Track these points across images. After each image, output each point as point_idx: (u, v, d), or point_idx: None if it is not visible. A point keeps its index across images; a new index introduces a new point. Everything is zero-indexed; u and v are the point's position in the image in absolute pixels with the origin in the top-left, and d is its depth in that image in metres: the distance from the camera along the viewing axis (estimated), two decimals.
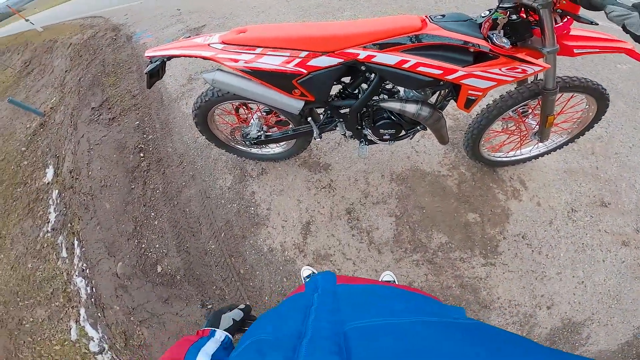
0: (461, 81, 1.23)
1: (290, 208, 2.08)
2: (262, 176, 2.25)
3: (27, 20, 7.91)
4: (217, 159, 2.42)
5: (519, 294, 1.65)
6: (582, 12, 1.09)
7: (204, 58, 1.38)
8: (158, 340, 1.95)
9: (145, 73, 1.46)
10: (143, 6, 6.68)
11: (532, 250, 1.72)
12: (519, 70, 1.18)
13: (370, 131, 1.64)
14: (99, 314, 2.23)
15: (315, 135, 1.69)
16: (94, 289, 2.34)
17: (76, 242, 2.62)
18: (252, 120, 1.83)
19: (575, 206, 1.82)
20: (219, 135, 2.02)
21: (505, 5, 1.12)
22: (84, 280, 2.43)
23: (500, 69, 1.18)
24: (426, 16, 1.26)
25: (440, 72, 1.21)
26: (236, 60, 1.34)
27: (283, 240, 1.99)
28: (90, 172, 2.78)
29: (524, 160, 1.91)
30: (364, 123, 1.63)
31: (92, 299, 2.31)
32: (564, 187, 1.88)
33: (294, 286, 1.86)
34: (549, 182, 1.90)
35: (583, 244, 1.72)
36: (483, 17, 1.18)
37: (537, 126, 1.57)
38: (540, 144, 1.78)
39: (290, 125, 1.80)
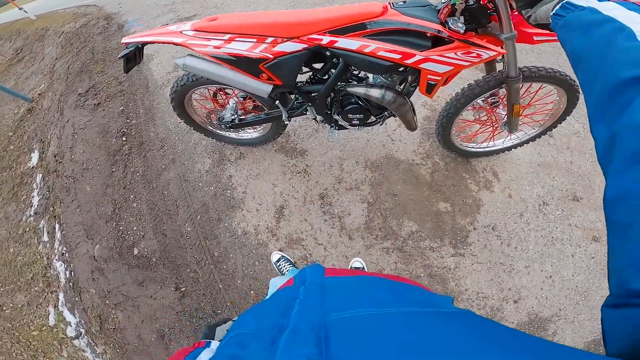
0: (420, 65, 1.24)
1: (265, 192, 2.10)
2: (239, 160, 2.26)
3: (20, 9, 7.88)
4: (197, 143, 2.43)
5: (487, 286, 1.65)
6: None
7: (175, 44, 1.42)
8: (132, 323, 1.97)
9: (120, 57, 1.50)
10: None
11: (502, 242, 1.73)
12: (474, 54, 1.20)
13: (339, 116, 1.66)
14: (76, 299, 2.24)
15: (284, 118, 1.71)
16: (72, 272, 2.35)
17: (57, 226, 2.63)
18: (227, 105, 1.84)
19: (547, 199, 1.83)
20: (196, 118, 2.03)
21: None
22: (63, 264, 2.44)
23: (456, 54, 1.20)
24: (389, 3, 1.28)
25: (399, 56, 1.23)
26: (205, 46, 1.38)
27: (257, 224, 2.00)
28: (73, 156, 2.79)
29: (496, 152, 1.91)
30: (333, 108, 1.65)
31: (70, 283, 2.32)
32: (537, 180, 1.89)
33: (266, 270, 1.87)
34: (521, 175, 1.91)
35: (553, 237, 1.72)
36: (443, 3, 1.18)
37: (505, 116, 1.58)
38: (512, 135, 1.79)
39: (265, 111, 1.82)
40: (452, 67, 1.24)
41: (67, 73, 3.72)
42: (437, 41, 1.23)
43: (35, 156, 3.32)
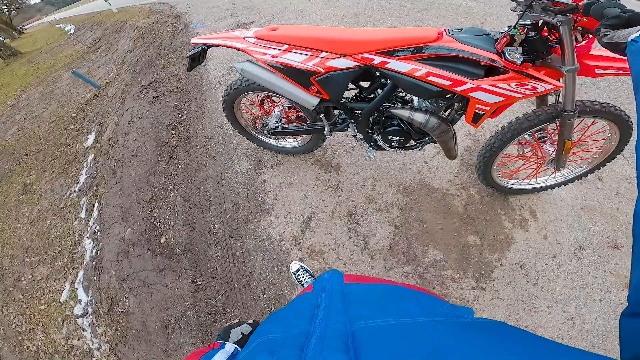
0: (469, 94, 1.23)
1: (295, 201, 2.14)
2: (275, 167, 2.34)
3: (106, 1, 8.80)
4: (238, 145, 2.56)
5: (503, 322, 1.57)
6: None
7: (238, 49, 1.53)
8: (141, 309, 2.03)
9: (187, 57, 1.65)
10: None
11: (527, 281, 1.64)
12: (529, 87, 1.16)
13: (379, 136, 1.68)
14: (95, 278, 2.34)
15: (325, 131, 1.76)
16: (99, 252, 2.47)
17: (97, 204, 2.81)
18: (273, 112, 1.94)
19: (585, 244, 1.72)
20: (242, 122, 2.15)
21: (525, 22, 1.10)
22: (92, 242, 2.59)
23: (509, 84, 1.17)
24: (445, 29, 1.30)
25: (449, 82, 1.23)
26: (264, 54, 1.47)
27: (282, 231, 2.04)
28: (125, 142, 3.02)
29: (538, 190, 1.83)
30: (374, 127, 1.67)
31: (94, 262, 2.44)
32: (577, 224, 1.79)
33: (283, 276, 1.88)
34: (561, 217, 1.81)
35: (583, 281, 1.62)
36: (501, 32, 1.18)
37: (554, 153, 1.51)
38: (557, 173, 1.71)
39: (307, 122, 1.89)
40: (503, 99, 1.21)
41: (134, 65, 4.10)
42: (490, 71, 1.21)
43: (91, 138, 3.63)
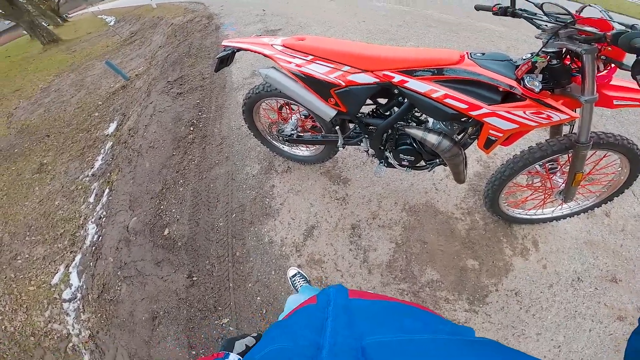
0: (484, 119, 1.25)
1: (301, 209, 2.17)
2: (285, 173, 2.39)
3: None
4: (251, 149, 2.63)
5: None
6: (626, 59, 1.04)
7: (265, 55, 1.60)
8: (131, 299, 2.04)
9: (217, 58, 1.74)
10: (236, 0, 7.51)
11: (520, 308, 1.63)
12: (544, 115, 1.16)
13: (391, 154, 1.71)
14: (91, 263, 2.36)
15: (339, 143, 1.81)
16: (100, 237, 2.51)
17: (107, 190, 2.88)
18: (290, 120, 2.00)
19: (583, 277, 1.71)
20: (259, 126, 2.22)
21: (549, 49, 1.10)
22: (96, 227, 2.63)
23: (524, 112, 1.17)
24: (467, 52, 1.32)
25: (465, 106, 1.24)
26: (289, 62, 1.53)
27: (285, 236, 2.06)
28: (145, 133, 3.12)
29: (543, 221, 1.82)
30: (387, 145, 1.70)
31: (93, 247, 2.46)
32: (578, 257, 1.78)
33: (279, 281, 1.88)
34: (563, 249, 1.80)
35: (576, 311, 1.60)
36: (523, 59, 1.19)
37: (563, 184, 1.50)
38: (564, 205, 1.71)
39: (322, 133, 1.94)
40: (517, 126, 1.22)
41: (164, 61, 4.29)
42: (507, 97, 1.22)
43: (113, 126, 3.76)
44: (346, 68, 1.44)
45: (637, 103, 1.13)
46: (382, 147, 1.73)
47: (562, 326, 1.57)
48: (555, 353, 1.52)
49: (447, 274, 1.77)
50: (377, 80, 1.39)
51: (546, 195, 1.67)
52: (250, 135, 2.66)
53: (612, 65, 1.08)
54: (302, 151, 2.32)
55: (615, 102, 1.14)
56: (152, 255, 2.22)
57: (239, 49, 1.71)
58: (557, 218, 1.80)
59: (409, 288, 1.74)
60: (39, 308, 2.24)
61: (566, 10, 1.04)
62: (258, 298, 1.85)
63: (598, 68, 1.08)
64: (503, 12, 1.28)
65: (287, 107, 2.02)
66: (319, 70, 1.48)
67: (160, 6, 9.10)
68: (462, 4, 5.31)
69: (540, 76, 1.14)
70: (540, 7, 1.11)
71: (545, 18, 1.10)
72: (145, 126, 3.19)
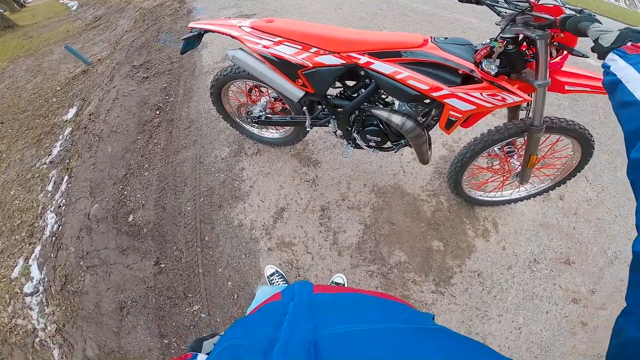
0: (444, 100, 1.30)
1: (271, 191, 2.15)
2: (255, 156, 2.36)
3: None
4: (221, 132, 2.56)
5: (457, 327, 1.62)
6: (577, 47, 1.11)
7: (232, 37, 1.57)
8: (96, 289, 1.96)
9: (182, 39, 1.68)
10: None
11: (483, 289, 1.71)
12: (499, 97, 1.23)
13: (358, 135, 1.73)
14: (52, 255, 2.25)
15: (307, 124, 1.80)
16: (60, 227, 2.38)
17: (66, 178, 2.72)
18: (259, 102, 1.97)
19: (539, 258, 1.81)
20: (227, 108, 2.16)
21: (506, 35, 1.15)
22: (55, 216, 2.49)
23: (481, 94, 1.23)
24: (430, 37, 1.37)
25: (427, 87, 1.29)
26: (256, 44, 1.52)
27: (254, 219, 2.04)
28: (107, 118, 2.96)
29: (502, 202, 1.92)
30: (354, 126, 1.72)
31: (53, 238, 2.34)
32: (534, 239, 1.88)
33: (250, 264, 1.87)
34: (521, 231, 1.91)
35: (533, 293, 1.70)
36: (483, 44, 1.25)
37: (520, 167, 1.59)
38: (521, 187, 1.80)
39: (291, 114, 1.93)
40: (475, 107, 1.28)
41: (130, 46, 4.05)
42: (467, 80, 1.28)
43: (72, 111, 3.54)
44: (314, 49, 1.44)
45: (587, 89, 1.20)
46: (349, 128, 1.75)
47: (521, 307, 1.66)
48: (517, 335, 1.60)
49: (414, 255, 1.82)
50: (344, 61, 1.41)
51: (504, 178, 1.75)
52: (219, 119, 2.59)
53: (564, 52, 1.15)
54: (272, 133, 2.29)
55: (566, 87, 1.21)
56: (116, 243, 2.13)
57: (207, 31, 1.66)
58: (515, 200, 1.90)
59: (378, 270, 1.78)
60: (2, 304, 2.11)
61: None
62: (229, 283, 1.83)
63: (551, 54, 1.14)
64: None
65: (256, 89, 1.99)
66: (286, 51, 1.48)
67: None
68: None
69: (498, 61, 1.19)
70: None
71: (505, 5, 1.16)
72: (107, 111, 3.02)
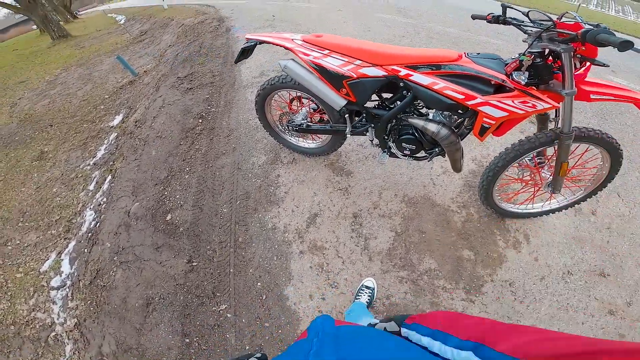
0: (478, 108, 1.42)
1: (305, 197, 2.25)
2: (291, 164, 2.49)
3: None
4: (259, 141, 2.73)
5: None
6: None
7: (286, 48, 1.76)
8: (126, 285, 2.02)
9: (241, 48, 1.89)
10: (247, 5, 7.82)
11: (515, 299, 1.70)
12: (530, 104, 1.34)
13: (394, 143, 1.85)
14: (85, 250, 2.34)
15: (347, 131, 1.93)
16: (98, 224, 2.50)
17: (109, 178, 2.90)
18: (300, 111, 2.13)
19: (573, 270, 1.80)
20: (269, 117, 2.33)
21: (533, 50, 1.29)
22: (94, 214, 2.62)
23: (513, 101, 1.35)
24: (464, 52, 1.52)
25: (462, 97, 1.42)
26: (307, 55, 1.70)
27: (288, 223, 2.13)
28: (153, 124, 3.20)
29: (534, 215, 1.94)
30: (390, 134, 1.84)
31: (90, 234, 2.44)
32: (567, 251, 1.88)
33: (281, 266, 1.93)
34: (553, 243, 1.91)
35: (568, 304, 1.68)
36: (512, 58, 1.38)
37: (551, 177, 1.64)
38: (552, 199, 1.84)
39: (330, 123, 2.06)
40: (507, 114, 1.39)
41: (174, 59, 4.42)
42: (499, 90, 1.40)
43: (118, 118, 3.82)
44: (358, 62, 1.60)
45: (611, 97, 1.31)
46: (386, 137, 1.86)
47: (555, 318, 1.64)
48: None
49: (444, 263, 1.85)
50: (386, 73, 1.56)
51: (536, 188, 1.80)
52: (257, 129, 2.77)
53: (587, 63, 1.28)
54: (309, 143, 2.43)
55: (592, 96, 1.31)
56: (152, 240, 2.22)
57: (262, 42, 1.84)
58: (547, 212, 1.93)
59: (408, 276, 1.82)
60: (24, 296, 2.18)
61: (548, 16, 1.25)
62: (258, 284, 1.88)
63: (575, 66, 1.26)
64: (495, 20, 1.50)
65: (297, 100, 2.15)
66: (333, 62, 1.65)
67: (171, 7, 9.33)
68: (463, 18, 5.63)
69: (527, 73, 1.33)
70: (527, 14, 1.34)
71: (530, 24, 1.32)
72: (153, 117, 3.27)
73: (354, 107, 1.82)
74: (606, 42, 1.01)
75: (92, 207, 2.73)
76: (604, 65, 1.23)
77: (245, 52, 1.90)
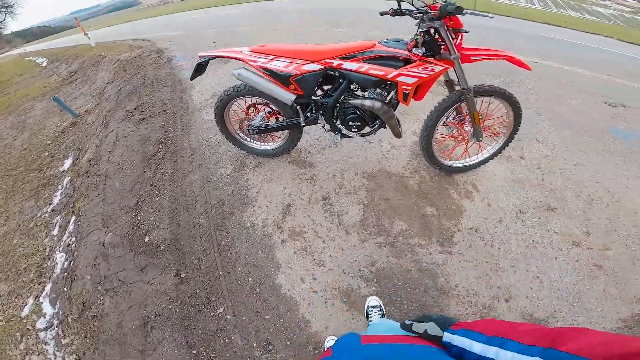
0: (396, 79, 1.80)
1: (276, 192, 2.43)
2: (257, 167, 2.66)
3: (86, 35, 8.91)
4: (223, 153, 2.86)
5: (476, 283, 1.80)
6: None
7: (237, 59, 2.01)
8: (117, 310, 2.00)
9: (196, 64, 2.07)
10: (184, 35, 7.93)
11: (485, 243, 1.95)
12: (429, 69, 1.75)
13: (342, 125, 2.14)
14: (64, 288, 2.28)
15: (301, 120, 2.18)
16: (72, 262, 2.43)
17: (73, 219, 2.81)
18: (257, 115, 2.34)
19: (523, 208, 2.11)
20: (229, 127, 2.50)
21: (422, 30, 1.73)
22: (65, 255, 2.54)
23: (418, 69, 1.76)
24: (377, 40, 1.91)
25: (382, 73, 1.80)
26: (256, 61, 1.97)
27: (265, 218, 2.28)
28: (110, 158, 3.17)
29: (473, 166, 2.32)
30: (338, 117, 2.14)
31: (65, 273, 2.38)
32: (512, 192, 2.21)
33: (267, 258, 2.05)
34: (498, 188, 2.25)
35: (533, 241, 1.93)
36: (410, 39, 1.80)
37: (472, 128, 2.04)
38: (483, 151, 2.23)
39: (286, 119, 2.29)
40: (417, 79, 1.78)
41: (117, 94, 4.35)
42: (407, 63, 1.80)
43: (68, 162, 3.69)
44: (299, 61, 1.93)
45: (486, 57, 1.76)
46: (334, 120, 2.16)
47: (528, 256, 1.88)
48: (539, 284, 1.75)
49: (413, 222, 2.11)
50: (322, 66, 1.90)
51: (465, 142, 2.18)
52: (220, 144, 2.90)
53: (460, 34, 1.73)
54: (270, 145, 2.63)
55: (472, 58, 1.76)
56: (134, 263, 2.22)
57: (215, 57, 2.05)
58: (483, 162, 2.32)
59: (385, 240, 2.04)
60: (12, 342, 2.07)
61: (424, 3, 1.70)
62: (250, 279, 1.96)
63: (452, 37, 1.69)
64: (395, 13, 1.87)
65: (253, 107, 2.35)
66: (279, 65, 1.94)
67: (99, 45, 8.96)
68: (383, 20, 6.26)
69: (423, 49, 1.76)
70: (412, 3, 1.77)
71: (416, 11, 1.75)
72: (109, 152, 3.24)
73: (303, 100, 2.08)
74: (451, 11, 1.51)
75: (60, 249, 2.63)
76: (466, 31, 1.69)
77: (200, 68, 2.09)
